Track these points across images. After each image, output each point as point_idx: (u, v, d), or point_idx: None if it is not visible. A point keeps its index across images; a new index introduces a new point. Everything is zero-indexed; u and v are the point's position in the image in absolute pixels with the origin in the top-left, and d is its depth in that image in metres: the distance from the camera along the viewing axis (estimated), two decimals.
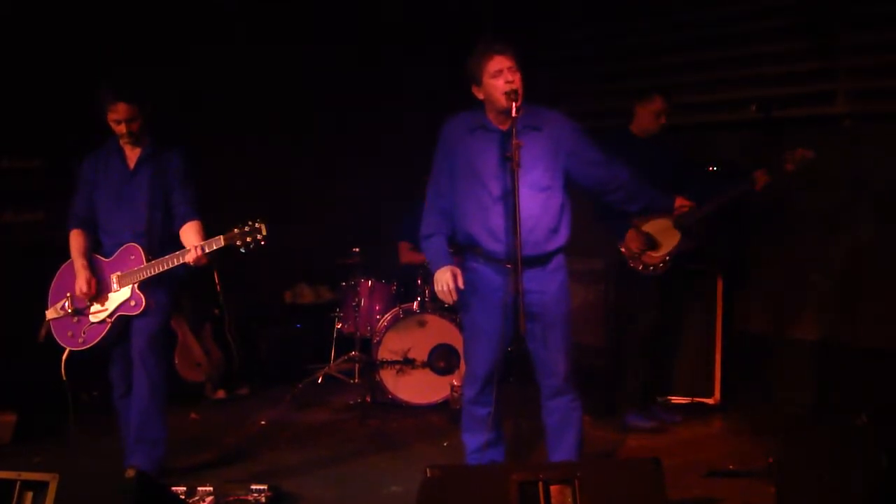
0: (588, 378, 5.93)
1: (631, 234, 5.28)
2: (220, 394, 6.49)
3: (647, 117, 5.37)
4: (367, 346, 6.50)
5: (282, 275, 7.58)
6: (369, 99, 7.62)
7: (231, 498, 4.16)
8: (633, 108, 5.44)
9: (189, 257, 4.34)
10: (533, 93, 3.90)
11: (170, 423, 5.08)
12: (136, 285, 4.47)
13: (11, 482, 3.22)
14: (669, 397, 5.89)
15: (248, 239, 4.18)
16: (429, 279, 6.19)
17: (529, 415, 3.98)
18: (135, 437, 4.57)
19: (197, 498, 4.10)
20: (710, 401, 5.88)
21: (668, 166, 5.29)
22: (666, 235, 5.28)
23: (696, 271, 5.79)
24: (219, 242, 4.27)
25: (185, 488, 4.15)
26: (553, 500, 3.09)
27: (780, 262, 6.00)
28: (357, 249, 6.65)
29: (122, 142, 4.58)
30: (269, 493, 4.21)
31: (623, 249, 5.32)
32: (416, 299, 6.30)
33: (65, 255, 4.75)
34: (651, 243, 5.29)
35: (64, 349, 4.60)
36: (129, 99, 4.44)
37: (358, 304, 6.51)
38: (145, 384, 4.54)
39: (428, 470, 3.14)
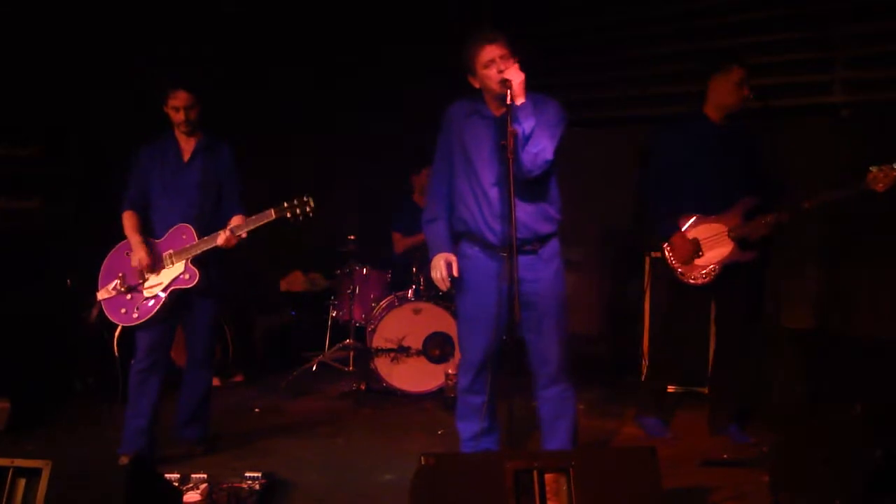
0: (582, 367, 5.95)
1: (678, 240, 4.88)
2: (215, 381, 6.45)
3: (724, 90, 4.83)
4: (362, 333, 6.50)
5: (276, 262, 7.57)
6: (366, 88, 7.60)
7: (225, 485, 4.15)
8: (707, 84, 4.93)
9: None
10: (530, 82, 3.87)
11: (164, 410, 5.11)
12: (188, 260, 4.66)
13: (4, 469, 3.22)
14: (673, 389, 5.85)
15: (298, 211, 4.50)
16: (424, 267, 6.20)
17: (524, 403, 3.98)
18: (188, 416, 4.93)
19: (191, 485, 4.09)
20: (704, 390, 5.87)
21: (742, 159, 4.89)
22: (715, 243, 4.84)
23: (735, 271, 5.68)
24: (269, 216, 4.53)
25: (178, 475, 4.14)
26: (548, 489, 3.09)
27: (777, 250, 5.99)
28: (352, 237, 6.63)
29: (178, 131, 4.78)
30: (263, 481, 4.20)
31: (667, 252, 4.95)
32: (411, 287, 6.30)
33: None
34: (697, 251, 4.86)
35: (116, 326, 4.87)
36: (190, 87, 4.67)
37: (353, 292, 6.50)
38: (207, 375, 4.97)
39: (422, 458, 3.13)
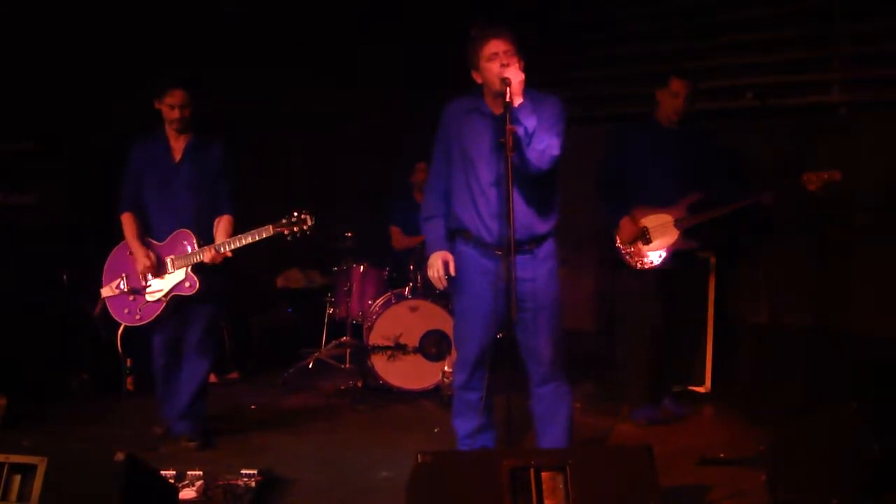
0: (578, 364, 5.95)
1: (624, 223, 5.18)
2: (211, 378, 6.43)
3: (665, 101, 5.19)
4: (359, 331, 6.49)
5: (273, 259, 7.55)
6: (363, 84, 7.59)
7: (221, 482, 4.14)
8: (655, 96, 5.27)
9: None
10: (529, 79, 3.87)
11: (158, 412, 5.12)
12: (189, 268, 4.78)
13: (0, 465, 3.21)
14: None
15: (295, 229, 4.56)
16: (421, 265, 6.19)
17: (520, 401, 3.97)
18: (183, 412, 4.95)
19: (187, 482, 4.08)
20: (701, 389, 5.89)
21: (690, 159, 5.19)
22: (663, 232, 5.14)
23: (687, 259, 5.73)
24: (268, 231, 4.60)
25: (174, 472, 4.12)
26: (544, 487, 3.08)
27: (772, 249, 6.00)
28: (349, 234, 6.62)
29: (169, 129, 4.87)
30: (259, 478, 4.19)
31: (617, 238, 5.23)
32: (408, 285, 6.29)
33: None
34: (644, 238, 5.17)
35: (117, 324, 5.01)
36: (187, 86, 4.79)
37: (350, 289, 6.49)
38: (203, 367, 5.01)
39: (419, 455, 3.13)
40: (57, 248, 5.99)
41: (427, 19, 7.28)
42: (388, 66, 7.55)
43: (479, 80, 3.92)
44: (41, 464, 3.19)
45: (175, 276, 4.80)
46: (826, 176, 4.81)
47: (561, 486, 3.10)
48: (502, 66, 3.72)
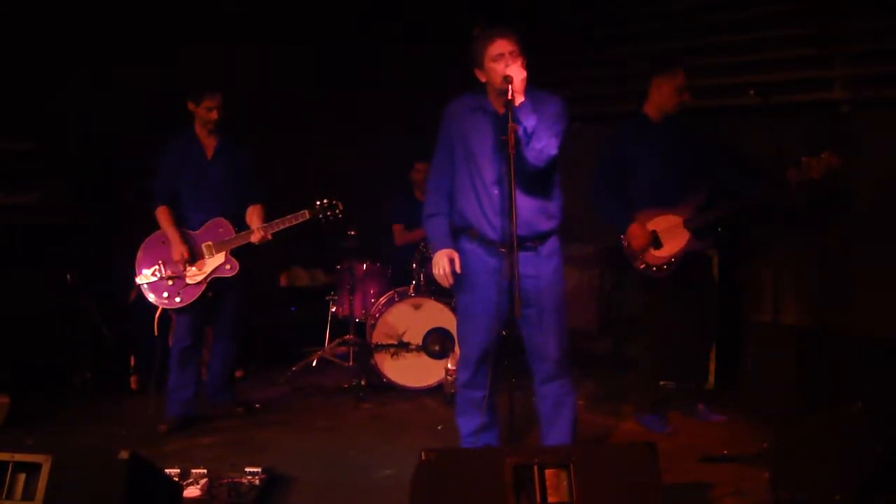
0: (582, 363, 5.96)
1: (633, 230, 5.00)
2: None
3: (667, 92, 4.99)
4: (362, 329, 6.50)
5: (277, 257, 7.56)
6: (367, 82, 7.59)
7: (225, 480, 4.15)
8: (649, 84, 5.09)
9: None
10: (531, 78, 3.87)
11: (163, 406, 5.13)
12: (228, 252, 5.20)
13: (4, 464, 3.22)
14: (664, 382, 5.83)
15: (329, 213, 5.18)
16: (424, 263, 6.20)
17: (523, 399, 3.98)
18: (221, 388, 5.56)
19: (191, 480, 4.09)
20: (705, 387, 5.88)
21: (688, 154, 5.05)
22: (673, 235, 4.96)
23: (691, 258, 5.71)
24: (304, 216, 5.13)
25: (178, 470, 4.14)
26: (548, 484, 3.09)
27: (775, 248, 5.99)
28: (353, 232, 6.61)
29: (202, 129, 5.26)
30: (263, 476, 4.21)
31: (624, 244, 5.07)
32: (412, 283, 6.30)
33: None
34: (655, 242, 5.01)
35: (156, 308, 5.37)
36: (223, 91, 5.21)
37: (353, 288, 6.49)
38: (233, 347, 5.54)
39: (423, 453, 3.13)
40: (59, 248, 6.00)
41: (427, 19, 7.27)
42: (388, 67, 7.55)
43: (482, 79, 3.93)
44: (46, 462, 3.19)
45: (215, 260, 5.19)
46: (825, 161, 4.66)
47: (565, 482, 3.10)
48: (507, 66, 3.73)
